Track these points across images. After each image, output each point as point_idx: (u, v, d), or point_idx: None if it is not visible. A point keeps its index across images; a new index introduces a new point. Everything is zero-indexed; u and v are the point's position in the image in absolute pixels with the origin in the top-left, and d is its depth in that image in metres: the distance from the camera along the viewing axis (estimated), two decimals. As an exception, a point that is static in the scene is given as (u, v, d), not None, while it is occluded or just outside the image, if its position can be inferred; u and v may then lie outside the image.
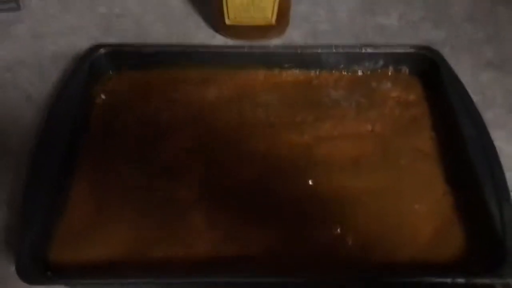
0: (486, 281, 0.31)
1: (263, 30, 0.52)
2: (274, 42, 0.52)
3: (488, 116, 0.43)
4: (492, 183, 0.35)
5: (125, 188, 0.38)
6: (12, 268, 0.35)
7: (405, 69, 0.46)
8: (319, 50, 0.45)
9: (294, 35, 0.54)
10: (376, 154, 0.40)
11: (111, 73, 0.45)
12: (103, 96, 0.44)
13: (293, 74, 0.46)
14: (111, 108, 0.44)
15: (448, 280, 0.31)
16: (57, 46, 0.52)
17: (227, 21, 0.51)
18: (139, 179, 0.38)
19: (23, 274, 0.30)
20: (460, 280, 0.31)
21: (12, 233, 0.37)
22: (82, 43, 0.51)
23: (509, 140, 0.44)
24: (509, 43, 0.53)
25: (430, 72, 0.45)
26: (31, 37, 0.53)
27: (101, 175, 0.39)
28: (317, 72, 0.46)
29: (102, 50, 0.44)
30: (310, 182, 0.38)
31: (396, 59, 0.46)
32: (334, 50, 0.45)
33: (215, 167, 0.39)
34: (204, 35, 0.54)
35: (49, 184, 0.36)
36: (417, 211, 0.37)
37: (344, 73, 0.46)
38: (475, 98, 0.42)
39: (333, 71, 0.46)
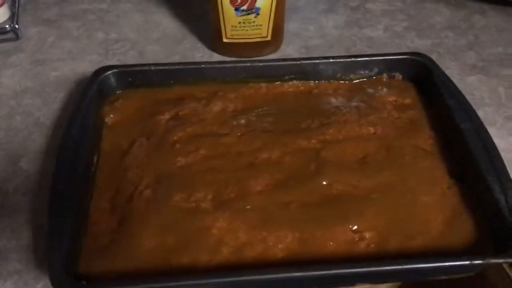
0: (501, 261, 0.33)
1: (260, 47, 0.54)
2: (270, 57, 0.55)
3: (479, 114, 0.46)
4: (494, 171, 0.38)
5: (144, 201, 0.39)
6: (38, 286, 0.36)
7: (398, 75, 0.49)
8: (317, 61, 0.48)
9: (288, 51, 0.57)
10: (381, 154, 0.42)
11: (119, 93, 0.47)
12: (112, 116, 0.45)
13: (294, 85, 0.48)
14: (121, 126, 0.45)
15: (466, 262, 0.32)
16: (58, 72, 0.53)
17: (225, 39, 0.53)
18: (156, 192, 0.39)
19: (58, 285, 0.31)
20: (478, 262, 0.32)
21: (35, 252, 0.38)
22: (83, 68, 0.53)
23: (500, 136, 0.47)
24: (488, 48, 0.57)
25: (422, 76, 0.47)
26: (32, 64, 0.54)
27: (118, 190, 0.40)
28: (316, 82, 0.48)
29: (110, 71, 0.46)
30: (324, 184, 0.39)
31: (389, 66, 0.48)
32: (331, 60, 0.48)
33: (230, 176, 0.40)
34: (201, 55, 0.56)
35: (71, 202, 0.37)
36: (425, 203, 0.38)
37: (342, 81, 0.49)
38: (466, 98, 0.45)
39: (331, 80, 0.49)
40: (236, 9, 0.50)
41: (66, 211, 0.36)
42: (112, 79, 0.46)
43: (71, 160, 0.39)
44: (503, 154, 0.39)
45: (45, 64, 0.54)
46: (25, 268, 0.37)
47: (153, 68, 0.47)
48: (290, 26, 0.59)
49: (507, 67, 0.54)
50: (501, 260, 0.33)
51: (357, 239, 0.36)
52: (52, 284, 0.31)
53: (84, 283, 0.32)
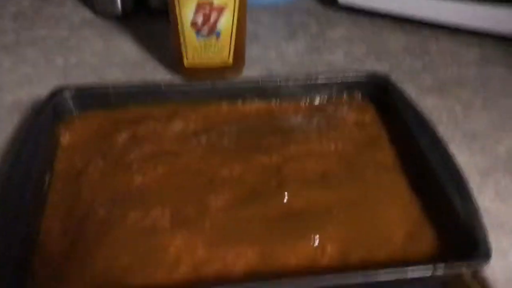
0: (462, 267, 0.32)
1: (221, 71, 0.54)
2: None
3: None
4: (453, 183, 0.38)
5: (98, 221, 0.37)
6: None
7: (358, 95, 0.49)
8: (278, 82, 0.48)
9: (250, 75, 0.57)
10: (342, 169, 0.42)
11: (75, 114, 0.45)
12: (68, 137, 0.44)
13: (255, 105, 0.48)
14: (76, 148, 0.43)
15: (430, 271, 0.32)
16: (14, 96, 0.52)
17: (186, 63, 0.53)
18: (111, 212, 0.38)
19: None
20: (440, 270, 0.32)
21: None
22: (41, 92, 0.51)
23: (459, 151, 0.47)
24: (443, 71, 0.59)
25: (381, 95, 0.48)
26: (-14, 88, 0.52)
27: (71, 210, 0.38)
28: (277, 102, 0.48)
29: (66, 91, 0.44)
30: (285, 199, 0.39)
31: (349, 86, 0.49)
32: (291, 81, 0.48)
33: (189, 193, 0.39)
34: (162, 78, 0.55)
35: (19, 223, 0.35)
36: (387, 217, 0.38)
37: (303, 101, 0.49)
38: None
39: (292, 101, 0.49)
40: (197, 32, 0.51)
41: (13, 234, 0.34)
42: (69, 100, 0.45)
43: (20, 180, 0.38)
44: (463, 168, 0.39)
45: (0, 88, 0.52)
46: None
47: (111, 89, 0.46)
48: (251, 51, 0.60)
49: (461, 87, 0.56)
50: (462, 267, 0.33)
51: (319, 253, 0.36)
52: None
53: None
